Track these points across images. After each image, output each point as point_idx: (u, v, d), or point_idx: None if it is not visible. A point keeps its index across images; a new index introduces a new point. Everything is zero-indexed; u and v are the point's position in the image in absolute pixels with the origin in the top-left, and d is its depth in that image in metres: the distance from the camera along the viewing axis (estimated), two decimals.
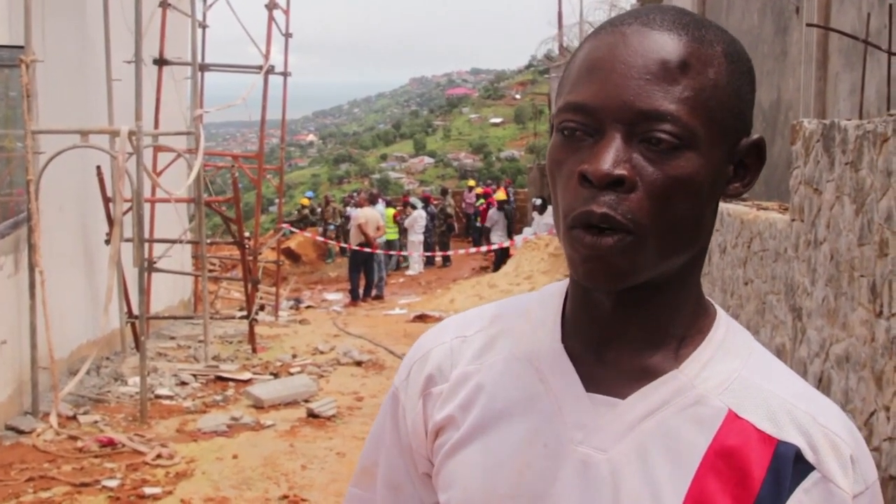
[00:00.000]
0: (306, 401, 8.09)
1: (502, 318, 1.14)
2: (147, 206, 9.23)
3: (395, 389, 1.19)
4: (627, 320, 1.04)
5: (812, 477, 0.98)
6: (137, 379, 7.94)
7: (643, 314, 1.03)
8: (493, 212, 21.68)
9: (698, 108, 0.96)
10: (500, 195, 22.24)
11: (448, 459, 1.09)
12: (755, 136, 1.04)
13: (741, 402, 1.01)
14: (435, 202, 24.64)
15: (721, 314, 1.09)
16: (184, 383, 8.63)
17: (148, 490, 5.86)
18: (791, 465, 0.98)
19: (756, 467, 0.98)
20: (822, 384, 4.76)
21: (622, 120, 0.95)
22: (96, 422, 7.27)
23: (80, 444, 6.65)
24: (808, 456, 0.98)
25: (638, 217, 0.95)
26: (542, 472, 1.03)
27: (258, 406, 7.94)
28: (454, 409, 1.10)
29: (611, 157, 0.94)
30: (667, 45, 0.97)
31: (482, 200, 24.53)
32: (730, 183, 1.03)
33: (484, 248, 20.96)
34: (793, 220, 5.42)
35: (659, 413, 1.01)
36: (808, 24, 6.98)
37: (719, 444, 0.99)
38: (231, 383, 8.76)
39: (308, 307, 16.42)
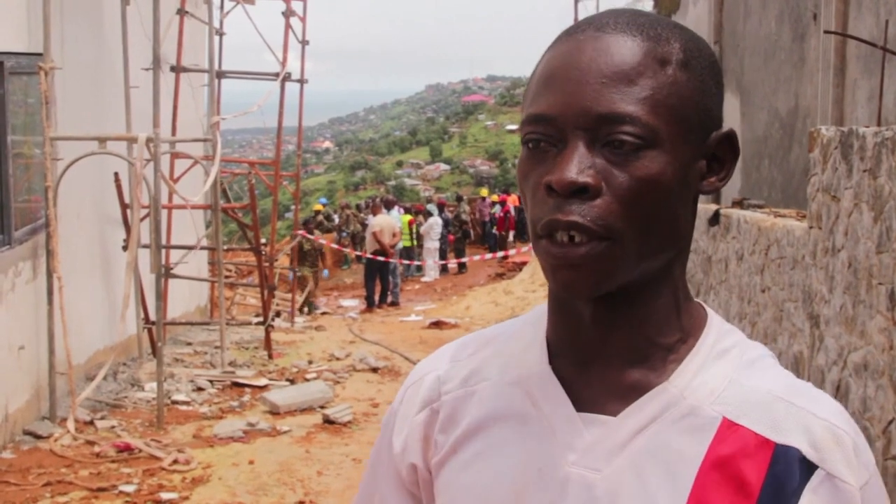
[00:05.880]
0: (322, 407, 8.10)
1: (496, 340, 1.14)
2: (164, 213, 9.27)
3: (390, 414, 1.19)
4: (608, 330, 1.02)
5: (818, 475, 0.96)
6: (154, 384, 7.97)
7: (623, 321, 1.02)
8: None
9: (658, 107, 0.95)
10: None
11: (442, 484, 1.09)
12: (725, 128, 1.03)
13: (736, 408, 0.99)
14: (450, 208, 24.59)
15: (712, 316, 1.07)
16: (200, 389, 8.66)
17: (164, 495, 5.88)
18: (795, 467, 0.96)
19: (754, 473, 0.97)
20: (840, 392, 4.73)
21: (583, 126, 0.95)
22: (113, 427, 7.30)
23: (97, 449, 6.68)
24: (811, 455, 0.97)
25: (609, 222, 0.94)
26: (538, 497, 1.02)
27: (274, 412, 7.96)
28: (447, 433, 1.10)
29: (574, 166, 0.94)
30: (621, 47, 0.96)
31: (498, 207, 24.52)
32: (704, 178, 1.02)
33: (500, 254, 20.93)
34: (810, 227, 5.40)
35: (650, 428, 0.99)
36: (826, 31, 6.96)
37: (715, 454, 0.98)
38: (247, 389, 8.77)
39: (324, 313, 16.45)
